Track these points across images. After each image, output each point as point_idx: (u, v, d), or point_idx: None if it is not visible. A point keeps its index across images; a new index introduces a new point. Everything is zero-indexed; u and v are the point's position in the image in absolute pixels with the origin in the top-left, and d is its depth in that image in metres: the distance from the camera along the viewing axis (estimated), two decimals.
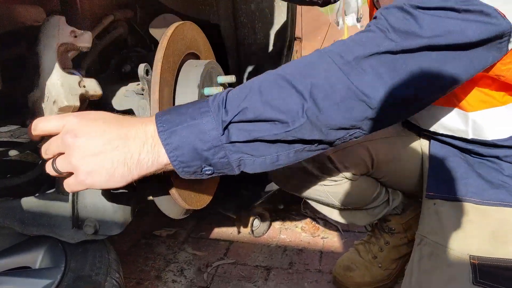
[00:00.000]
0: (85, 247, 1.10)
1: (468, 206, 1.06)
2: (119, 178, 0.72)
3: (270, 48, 1.67)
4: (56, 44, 0.86)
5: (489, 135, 1.04)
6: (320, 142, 0.76)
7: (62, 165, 0.73)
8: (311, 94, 0.72)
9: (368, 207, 1.47)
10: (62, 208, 1.03)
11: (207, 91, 0.99)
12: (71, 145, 0.71)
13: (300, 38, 1.78)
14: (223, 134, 0.72)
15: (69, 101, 0.85)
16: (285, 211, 2.12)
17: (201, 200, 1.08)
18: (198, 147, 0.72)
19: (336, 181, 1.34)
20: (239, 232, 1.94)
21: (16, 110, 1.02)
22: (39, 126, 0.74)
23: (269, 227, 1.97)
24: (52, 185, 1.11)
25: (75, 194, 1.02)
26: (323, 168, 1.30)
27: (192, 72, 0.99)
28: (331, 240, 1.88)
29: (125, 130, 0.73)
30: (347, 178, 1.34)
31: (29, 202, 1.05)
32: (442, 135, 1.14)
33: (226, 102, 0.74)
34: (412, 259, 1.13)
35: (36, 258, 1.12)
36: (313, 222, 2.02)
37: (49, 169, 0.75)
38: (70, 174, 0.74)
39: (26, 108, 0.90)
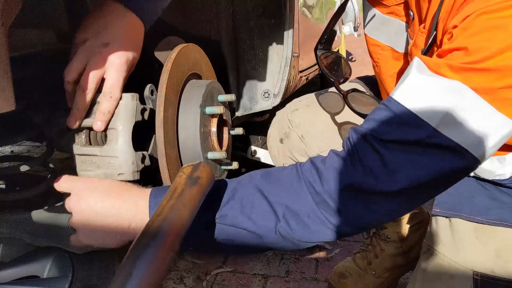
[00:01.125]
0: (92, 257, 1.14)
1: (476, 224, 1.07)
2: (113, 243, 0.85)
3: (269, 64, 1.72)
4: (133, 124, 0.93)
5: (490, 176, 1.06)
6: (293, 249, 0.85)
7: (72, 223, 0.87)
8: (284, 216, 0.80)
9: None
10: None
11: (209, 110, 1.05)
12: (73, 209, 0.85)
13: (297, 54, 1.83)
14: (204, 228, 0.82)
15: (134, 177, 0.95)
16: None
17: None
18: None
19: None
20: None
21: (27, 127, 1.07)
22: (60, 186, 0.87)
23: None
24: (60, 198, 1.16)
25: None
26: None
27: (194, 92, 1.05)
28: (327, 249, 1.93)
29: (120, 203, 0.82)
30: None
31: (39, 215, 1.10)
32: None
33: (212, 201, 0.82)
34: (418, 266, 1.16)
35: (44, 267, 1.16)
36: None
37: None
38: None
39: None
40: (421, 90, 0.78)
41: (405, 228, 1.56)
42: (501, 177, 1.05)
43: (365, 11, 1.34)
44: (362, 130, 0.80)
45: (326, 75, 1.27)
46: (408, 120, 0.76)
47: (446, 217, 1.11)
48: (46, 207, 1.11)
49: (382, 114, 0.79)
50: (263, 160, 2.00)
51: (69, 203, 0.85)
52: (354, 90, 1.20)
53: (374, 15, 1.28)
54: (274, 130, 1.46)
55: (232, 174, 2.14)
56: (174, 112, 1.01)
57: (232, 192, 0.84)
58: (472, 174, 1.08)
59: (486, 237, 1.05)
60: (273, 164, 1.99)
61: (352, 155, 0.80)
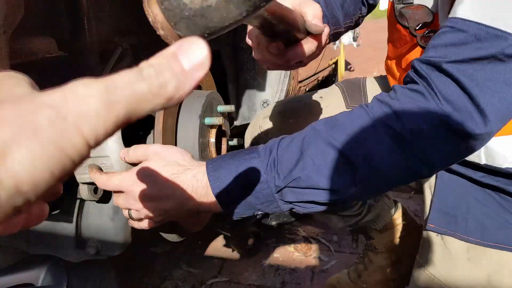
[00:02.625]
0: (86, 266, 1.14)
1: (469, 244, 1.05)
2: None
3: (268, 74, 1.72)
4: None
5: (503, 163, 1.00)
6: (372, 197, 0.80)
7: (136, 216, 0.82)
8: (362, 164, 0.73)
9: (343, 214, 1.47)
10: (66, 228, 1.08)
11: (208, 121, 1.05)
12: (137, 208, 0.79)
13: None
14: (276, 193, 0.76)
15: None
16: (278, 230, 2.17)
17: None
18: (252, 202, 0.77)
19: None
20: (233, 250, 1.99)
21: None
22: (108, 186, 0.82)
23: (262, 246, 2.02)
24: (57, 206, 1.16)
25: (79, 215, 1.07)
26: None
27: (194, 103, 1.05)
28: (323, 260, 1.93)
29: (178, 196, 0.77)
30: None
31: None
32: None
33: (277, 164, 0.76)
34: (410, 283, 1.15)
35: (39, 275, 1.16)
36: (305, 242, 2.07)
37: (125, 213, 0.84)
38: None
39: None
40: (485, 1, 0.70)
41: (393, 238, 1.55)
42: None
43: None
44: (431, 59, 0.73)
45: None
46: (483, 34, 0.69)
47: (439, 233, 1.09)
48: None
49: (450, 36, 0.72)
50: None
51: (129, 202, 0.80)
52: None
53: None
54: (247, 136, 1.46)
55: None
56: (173, 122, 1.01)
57: (299, 152, 0.76)
58: (483, 161, 1.01)
59: (479, 259, 1.03)
60: None
61: (427, 87, 0.73)
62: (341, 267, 1.84)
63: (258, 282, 1.76)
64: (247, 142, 1.48)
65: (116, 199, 0.83)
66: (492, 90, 0.69)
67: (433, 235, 1.11)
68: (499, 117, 0.71)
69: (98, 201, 1.04)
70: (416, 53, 1.12)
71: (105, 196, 1.06)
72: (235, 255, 1.97)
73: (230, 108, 1.14)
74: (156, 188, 0.78)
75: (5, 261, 1.23)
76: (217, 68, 1.49)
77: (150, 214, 0.79)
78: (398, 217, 1.54)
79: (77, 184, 1.05)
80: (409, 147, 0.72)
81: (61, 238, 1.09)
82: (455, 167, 1.09)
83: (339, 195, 0.75)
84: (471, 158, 1.03)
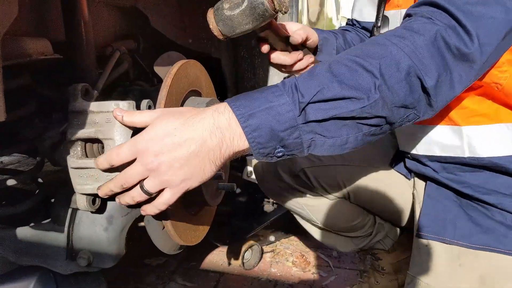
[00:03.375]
0: (77, 278, 1.09)
1: (459, 250, 1.07)
2: (209, 173, 0.80)
3: (269, 83, 1.69)
4: (131, 133, 0.88)
5: (485, 152, 1.06)
6: (385, 122, 0.83)
7: (153, 185, 0.77)
8: (381, 72, 0.78)
9: (352, 235, 1.46)
10: (57, 239, 1.03)
11: None
12: (156, 166, 0.75)
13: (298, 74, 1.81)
14: (299, 115, 0.77)
15: None
16: (276, 244, 2.12)
17: (196, 236, 1.08)
18: (275, 128, 0.77)
19: (309, 193, 1.36)
20: (229, 263, 1.93)
21: (17, 139, 1.03)
22: (114, 160, 0.79)
23: (260, 260, 1.96)
24: (47, 215, 1.11)
25: (71, 225, 1.02)
26: (297, 179, 1.31)
27: None
28: (322, 275, 1.87)
29: (199, 134, 0.76)
30: (322, 195, 1.34)
31: (24, 232, 1.04)
32: (439, 158, 1.15)
33: (298, 86, 0.79)
34: None
35: (27, 287, 1.10)
36: (304, 257, 2.02)
37: (135, 194, 0.79)
38: (159, 192, 0.79)
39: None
40: None
41: (400, 259, 1.51)
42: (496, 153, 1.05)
43: None
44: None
45: None
46: None
47: (429, 239, 1.11)
48: (32, 224, 1.06)
49: None
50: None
51: (148, 165, 0.76)
52: None
53: None
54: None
55: (229, 195, 2.10)
56: None
57: (318, 73, 0.81)
58: (467, 154, 1.09)
59: (470, 263, 1.05)
60: None
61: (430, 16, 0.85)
62: (340, 283, 1.79)
63: None
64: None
65: (130, 171, 0.78)
66: (471, 12, 0.81)
67: (423, 246, 1.12)
68: (484, 34, 0.82)
69: (93, 212, 1.00)
70: None
71: (102, 207, 1.01)
72: (232, 268, 1.91)
73: None
74: (176, 134, 0.76)
75: None
76: (217, 77, 1.46)
77: (170, 175, 0.76)
78: (404, 237, 1.51)
79: (69, 193, 1.01)
80: (414, 55, 0.80)
81: (51, 248, 1.04)
82: (441, 178, 1.14)
83: (363, 103, 0.78)
84: (455, 151, 1.09)
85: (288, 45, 1.22)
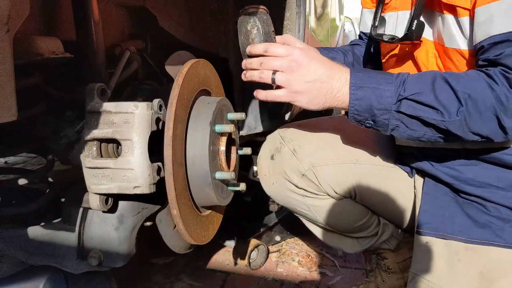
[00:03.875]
0: (87, 278, 1.09)
1: (458, 245, 1.09)
2: (317, 104, 1.05)
3: None
4: (148, 134, 0.90)
5: (477, 144, 1.09)
6: (458, 139, 0.99)
7: (281, 78, 1.04)
8: (466, 102, 0.95)
9: (358, 236, 1.46)
10: (68, 238, 1.03)
11: (218, 128, 1.01)
12: (295, 70, 1.02)
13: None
14: (395, 103, 0.99)
15: (150, 189, 0.94)
16: (282, 244, 2.12)
17: (205, 236, 1.08)
18: (373, 105, 1.00)
19: (316, 194, 1.35)
20: (236, 263, 1.93)
21: (28, 138, 1.03)
22: (270, 49, 1.05)
23: (266, 260, 1.96)
24: (57, 214, 1.11)
25: (82, 224, 1.02)
26: (304, 179, 1.31)
27: (204, 109, 1.01)
28: (328, 275, 1.87)
29: (332, 72, 1.03)
30: (328, 195, 1.34)
31: (35, 231, 1.04)
32: (433, 151, 1.18)
33: (406, 83, 0.99)
34: None
35: (38, 287, 1.10)
36: (310, 256, 2.02)
37: (264, 76, 1.06)
38: (278, 87, 1.06)
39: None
40: None
41: (406, 257, 1.51)
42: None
43: None
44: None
45: None
46: None
47: (429, 236, 1.14)
48: (43, 224, 1.06)
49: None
50: None
51: (291, 65, 1.03)
52: None
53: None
54: (264, 149, 1.44)
55: (235, 195, 2.10)
56: (183, 129, 0.96)
57: (424, 82, 0.99)
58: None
59: (469, 259, 1.08)
60: None
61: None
62: (346, 282, 1.79)
63: None
64: (264, 154, 1.44)
65: (276, 59, 1.04)
66: None
67: (423, 243, 1.15)
68: None
69: (105, 211, 1.00)
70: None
71: (113, 206, 1.02)
72: (238, 268, 1.91)
73: (241, 115, 1.11)
74: (320, 56, 1.06)
75: (2, 272, 1.18)
76: (224, 76, 1.46)
77: (296, 79, 1.03)
78: (409, 235, 1.51)
79: (80, 192, 1.01)
80: (497, 95, 0.94)
81: (62, 247, 1.04)
82: (438, 171, 1.21)
83: (443, 117, 0.96)
84: (451, 145, 1.15)
85: None
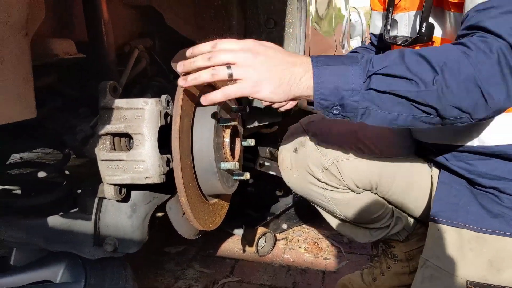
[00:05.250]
0: (104, 264, 1.16)
1: (469, 234, 1.11)
2: (281, 93, 0.91)
3: None
4: (158, 128, 0.97)
5: (492, 141, 1.11)
6: (436, 113, 0.91)
7: (238, 72, 0.89)
8: (442, 70, 0.87)
9: (371, 227, 1.51)
10: (85, 226, 1.10)
11: (223, 122, 1.07)
12: (252, 59, 0.89)
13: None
14: (365, 81, 0.90)
15: (161, 179, 1.00)
16: (289, 232, 2.19)
17: (213, 222, 1.15)
18: (340, 86, 0.90)
19: (337, 188, 1.38)
20: (244, 250, 2.00)
21: (47, 134, 1.10)
22: (219, 45, 0.91)
23: (273, 247, 2.03)
24: (73, 205, 1.18)
25: (98, 213, 1.09)
26: (327, 173, 1.35)
27: None
28: (334, 261, 1.94)
29: (292, 58, 0.92)
30: (349, 189, 1.38)
31: (54, 220, 1.12)
32: (449, 147, 1.20)
33: (373, 61, 0.91)
34: (415, 280, 1.19)
35: (57, 273, 1.18)
36: (316, 243, 2.08)
37: (218, 72, 0.89)
38: (234, 82, 0.91)
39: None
40: None
41: (413, 248, 1.56)
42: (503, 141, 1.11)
43: None
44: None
45: None
46: None
47: (442, 224, 1.16)
48: (61, 213, 1.13)
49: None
50: (270, 171, 2.02)
51: (246, 57, 0.89)
52: None
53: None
54: (287, 142, 1.46)
55: (242, 185, 2.16)
56: (190, 123, 1.03)
57: (391, 55, 0.92)
58: (476, 143, 1.14)
59: (480, 247, 1.09)
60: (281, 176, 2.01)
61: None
62: (352, 268, 1.85)
63: (269, 282, 1.77)
64: (287, 146, 1.46)
65: (227, 52, 0.89)
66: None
67: (436, 230, 1.17)
68: None
69: (119, 201, 1.07)
70: None
71: (127, 196, 1.09)
72: (246, 255, 1.99)
73: (245, 108, 1.17)
74: (276, 45, 0.94)
75: (22, 260, 1.26)
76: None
77: (256, 66, 0.89)
78: (419, 227, 1.54)
79: (95, 183, 1.08)
80: (474, 61, 0.87)
81: (80, 235, 1.11)
82: (452, 165, 1.20)
83: (418, 87, 0.88)
84: (466, 142, 1.15)
85: None
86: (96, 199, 1.09)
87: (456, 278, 1.09)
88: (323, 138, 1.36)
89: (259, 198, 2.32)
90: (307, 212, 2.26)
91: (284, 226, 2.19)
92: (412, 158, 1.39)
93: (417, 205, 1.42)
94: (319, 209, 1.55)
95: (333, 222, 1.56)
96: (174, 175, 0.97)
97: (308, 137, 1.37)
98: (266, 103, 0.96)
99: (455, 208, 1.16)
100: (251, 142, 1.23)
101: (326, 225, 2.22)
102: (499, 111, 0.92)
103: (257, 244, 1.96)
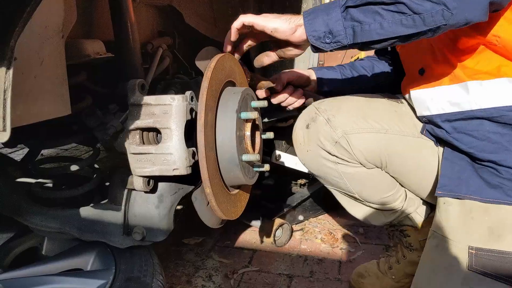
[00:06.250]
0: (132, 252, 1.23)
1: (471, 204, 1.20)
2: (286, 27, 1.12)
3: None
4: (184, 123, 1.04)
5: (489, 103, 1.17)
6: (410, 11, 0.97)
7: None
8: None
9: (384, 208, 1.55)
10: (114, 216, 1.17)
11: (244, 115, 1.13)
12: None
13: (323, 61, 1.91)
14: (342, 5, 1.04)
15: (187, 171, 1.07)
16: (305, 223, 2.24)
17: (235, 212, 1.21)
18: (325, 18, 1.06)
19: (348, 162, 1.43)
20: (262, 241, 2.06)
21: (79, 130, 1.16)
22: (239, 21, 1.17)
23: (290, 238, 2.09)
24: (103, 196, 1.25)
25: (127, 204, 1.16)
26: (337, 146, 1.40)
27: (231, 98, 1.13)
28: (350, 251, 1.99)
29: (287, 15, 1.14)
30: (360, 163, 1.43)
31: (86, 211, 1.18)
32: (450, 115, 1.26)
33: None
34: (424, 251, 1.30)
35: (88, 261, 1.25)
36: (332, 234, 2.14)
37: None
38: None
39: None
40: None
41: (427, 237, 1.59)
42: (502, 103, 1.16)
43: None
44: None
45: None
46: None
47: (447, 197, 1.24)
48: (92, 205, 1.20)
49: None
50: (286, 164, 2.07)
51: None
52: None
53: None
54: (300, 120, 1.51)
55: (262, 178, 2.20)
56: (213, 117, 1.09)
57: None
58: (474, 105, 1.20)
59: (481, 216, 1.18)
60: (297, 169, 2.06)
61: None
62: (367, 257, 1.90)
63: (287, 272, 1.83)
64: (300, 124, 1.50)
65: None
66: None
67: (441, 204, 1.27)
68: None
69: (147, 192, 1.14)
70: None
71: (154, 187, 1.15)
72: (264, 246, 2.04)
73: (264, 103, 1.22)
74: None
75: (53, 250, 1.33)
76: (246, 66, 1.56)
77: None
78: (434, 215, 1.58)
79: (124, 176, 1.14)
80: None
81: (110, 225, 1.18)
82: (453, 139, 1.26)
83: None
84: (465, 107, 1.21)
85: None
86: (125, 191, 1.15)
87: (459, 245, 1.19)
88: (333, 114, 1.41)
89: (276, 191, 2.38)
90: (322, 203, 2.31)
91: (300, 217, 2.24)
92: (418, 136, 1.43)
93: (426, 184, 1.46)
94: (333, 190, 1.58)
95: (346, 203, 1.60)
96: (200, 167, 1.03)
97: (319, 113, 1.43)
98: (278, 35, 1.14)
99: (458, 182, 1.24)
100: (270, 135, 1.28)
101: (341, 217, 2.29)
102: (481, 3, 0.97)
103: (274, 235, 2.02)
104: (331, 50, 1.12)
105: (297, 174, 2.26)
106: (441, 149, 1.37)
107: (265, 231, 2.05)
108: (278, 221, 2.05)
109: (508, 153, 1.18)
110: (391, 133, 1.40)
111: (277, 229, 2.03)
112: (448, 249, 1.21)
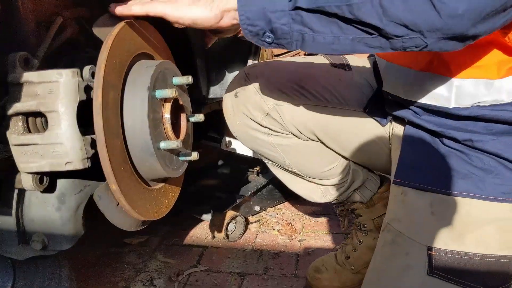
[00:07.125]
0: (36, 263, 1.03)
1: (432, 196, 1.04)
2: (211, 10, 0.87)
3: (240, 45, 1.60)
4: (76, 104, 0.83)
5: (467, 102, 1.01)
6: (378, 33, 0.78)
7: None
8: None
9: (327, 184, 1.41)
10: (6, 222, 0.95)
11: (159, 93, 0.93)
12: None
13: None
14: (291, 0, 0.80)
15: (84, 165, 0.85)
16: (262, 214, 2.07)
17: (158, 210, 1.02)
18: (266, 8, 0.81)
19: (282, 133, 1.29)
20: (213, 237, 1.88)
21: None
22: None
23: (244, 231, 1.91)
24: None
25: (19, 207, 0.95)
26: (269, 118, 1.26)
27: (141, 73, 0.92)
28: (309, 242, 1.83)
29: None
30: (294, 135, 1.29)
31: None
32: (422, 105, 1.09)
33: None
34: (377, 244, 1.13)
35: None
36: (290, 224, 1.97)
37: None
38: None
39: None
40: None
41: (381, 214, 1.45)
42: (484, 103, 1.00)
43: None
44: None
45: None
46: None
47: (405, 186, 1.09)
48: None
49: None
50: (238, 151, 1.88)
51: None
52: None
53: None
54: (229, 87, 1.35)
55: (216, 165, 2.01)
56: (118, 96, 0.88)
57: None
58: (452, 105, 1.02)
59: (443, 211, 1.03)
60: (251, 155, 1.87)
61: None
62: (327, 249, 1.74)
63: (239, 270, 1.65)
64: (229, 91, 1.35)
65: None
66: None
67: (398, 193, 1.11)
68: None
69: (42, 191, 0.93)
70: None
71: (51, 185, 0.94)
72: (216, 242, 1.86)
73: (187, 79, 1.02)
74: None
75: None
76: (181, 38, 1.36)
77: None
78: (385, 190, 1.45)
79: (13, 172, 0.93)
80: None
81: (3, 233, 0.97)
82: (422, 121, 1.09)
83: (348, 1, 0.76)
84: (443, 103, 1.03)
85: None
86: (16, 191, 0.94)
87: (416, 244, 1.02)
88: (265, 82, 1.25)
89: (231, 180, 2.20)
90: (281, 191, 2.14)
91: (257, 208, 2.06)
92: (361, 112, 1.28)
93: (376, 161, 1.35)
94: (270, 164, 1.44)
95: (287, 179, 1.46)
96: (100, 158, 0.83)
97: (249, 80, 1.27)
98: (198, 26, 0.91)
99: (419, 170, 1.08)
100: (199, 117, 1.09)
101: (301, 204, 2.11)
102: (462, 34, 0.75)
103: (226, 229, 1.83)
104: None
105: (253, 161, 2.08)
106: (397, 127, 1.21)
107: (216, 226, 1.86)
108: (230, 213, 1.86)
109: (482, 135, 1.02)
110: (330, 106, 1.24)
111: (229, 223, 1.84)
112: (404, 248, 1.04)
